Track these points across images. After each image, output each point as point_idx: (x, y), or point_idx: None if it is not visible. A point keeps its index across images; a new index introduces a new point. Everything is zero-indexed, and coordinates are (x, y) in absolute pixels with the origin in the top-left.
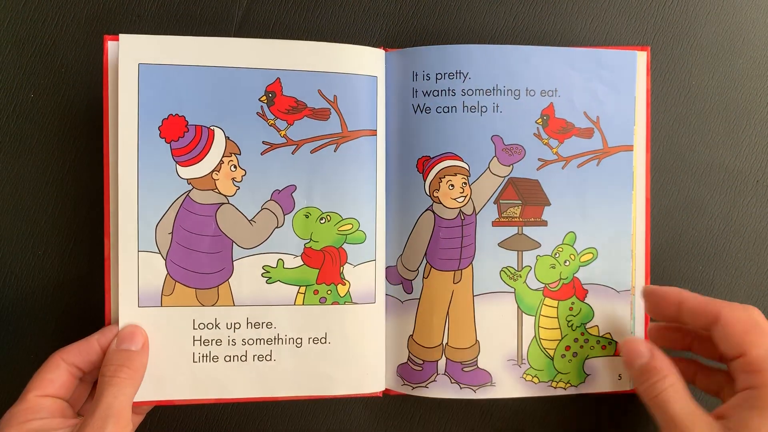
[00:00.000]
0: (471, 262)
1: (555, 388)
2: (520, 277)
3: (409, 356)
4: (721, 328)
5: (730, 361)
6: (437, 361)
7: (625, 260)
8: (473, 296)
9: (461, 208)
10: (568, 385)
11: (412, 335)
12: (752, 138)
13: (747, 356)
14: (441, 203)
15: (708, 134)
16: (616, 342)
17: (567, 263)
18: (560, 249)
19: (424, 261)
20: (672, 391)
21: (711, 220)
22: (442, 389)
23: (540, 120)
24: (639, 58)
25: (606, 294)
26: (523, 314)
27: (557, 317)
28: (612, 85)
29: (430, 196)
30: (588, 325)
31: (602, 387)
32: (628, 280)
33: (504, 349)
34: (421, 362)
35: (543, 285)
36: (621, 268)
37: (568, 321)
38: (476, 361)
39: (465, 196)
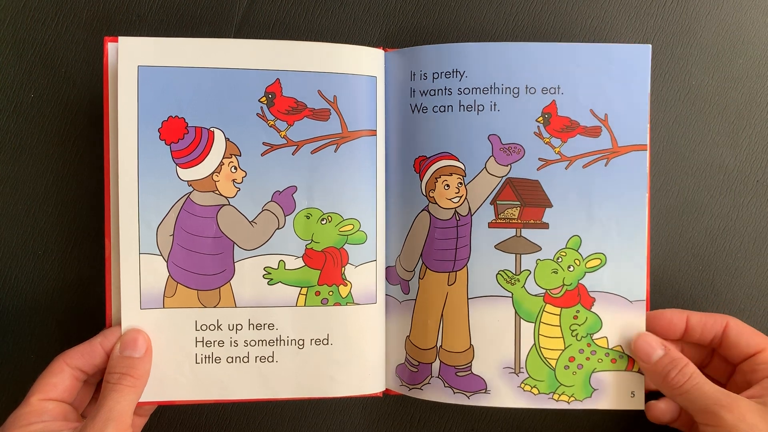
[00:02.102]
0: (466, 264)
1: (557, 400)
2: (519, 281)
3: (406, 357)
4: (734, 331)
5: (744, 360)
6: (431, 363)
7: (639, 268)
8: (468, 299)
9: (456, 209)
10: (572, 398)
11: (408, 336)
12: (752, 138)
13: (766, 350)
14: (436, 203)
15: (708, 134)
16: (629, 356)
17: (571, 268)
18: (563, 253)
19: (420, 261)
20: (698, 376)
21: (711, 220)
22: (435, 392)
23: (541, 118)
24: None
25: (616, 303)
26: (522, 320)
27: (560, 325)
28: (623, 81)
29: (426, 196)
30: (595, 336)
31: (612, 404)
32: (642, 289)
33: (500, 355)
34: (417, 363)
35: (544, 290)
36: (634, 277)
37: (573, 330)
38: (470, 366)
39: (460, 197)
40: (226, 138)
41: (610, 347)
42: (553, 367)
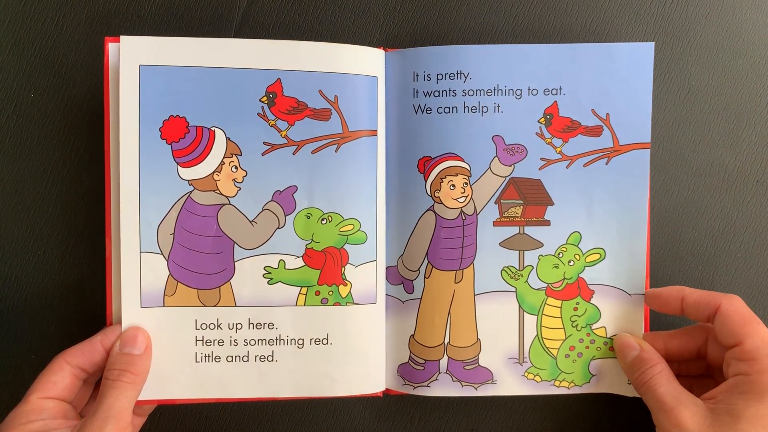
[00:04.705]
0: (472, 262)
1: (558, 387)
2: (522, 276)
3: (410, 356)
4: (721, 318)
5: (727, 349)
6: (439, 360)
7: (639, 262)
8: (474, 295)
9: (462, 208)
10: (572, 384)
11: (413, 335)
12: (752, 138)
13: (742, 345)
14: (442, 203)
15: (708, 134)
16: None
17: (571, 263)
18: (564, 249)
19: (425, 261)
20: (660, 377)
21: (711, 220)
22: (443, 388)
23: (543, 119)
24: None
25: (615, 296)
26: (525, 313)
27: (561, 317)
28: (624, 80)
29: (431, 196)
30: (594, 326)
31: (609, 388)
32: (641, 283)
33: (505, 347)
34: (423, 362)
35: (545, 284)
36: (634, 271)
37: (573, 321)
38: (477, 359)
39: (466, 197)
40: (226, 137)
41: (608, 336)
42: (554, 356)
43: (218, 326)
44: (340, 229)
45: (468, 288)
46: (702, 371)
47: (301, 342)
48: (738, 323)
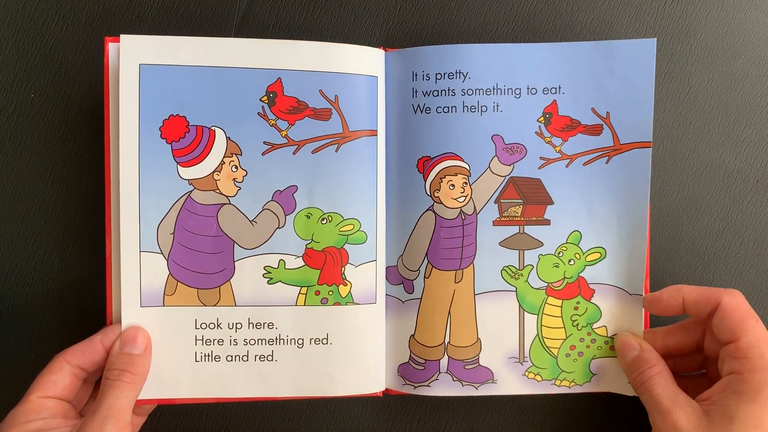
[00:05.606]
0: (472, 262)
1: (558, 386)
2: (522, 275)
3: (410, 356)
4: (721, 314)
5: (724, 345)
6: (439, 360)
7: (639, 262)
8: (474, 295)
9: (462, 208)
10: (573, 383)
11: (413, 335)
12: (752, 138)
13: (738, 342)
14: (442, 203)
15: (708, 134)
16: None
17: (572, 262)
18: (564, 248)
19: (425, 261)
20: (658, 377)
21: (711, 220)
22: (444, 387)
23: (542, 118)
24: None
25: (616, 295)
26: (525, 312)
27: (561, 316)
28: (625, 79)
29: (430, 196)
30: (595, 326)
31: (610, 387)
32: (641, 282)
33: (505, 346)
34: (423, 361)
35: (546, 284)
36: (634, 270)
37: (573, 320)
38: (477, 358)
39: (466, 196)
40: (227, 137)
41: (608, 335)
42: (555, 356)
43: (218, 326)
44: (340, 229)
45: (468, 288)
46: (698, 366)
47: (300, 342)
48: (736, 319)
